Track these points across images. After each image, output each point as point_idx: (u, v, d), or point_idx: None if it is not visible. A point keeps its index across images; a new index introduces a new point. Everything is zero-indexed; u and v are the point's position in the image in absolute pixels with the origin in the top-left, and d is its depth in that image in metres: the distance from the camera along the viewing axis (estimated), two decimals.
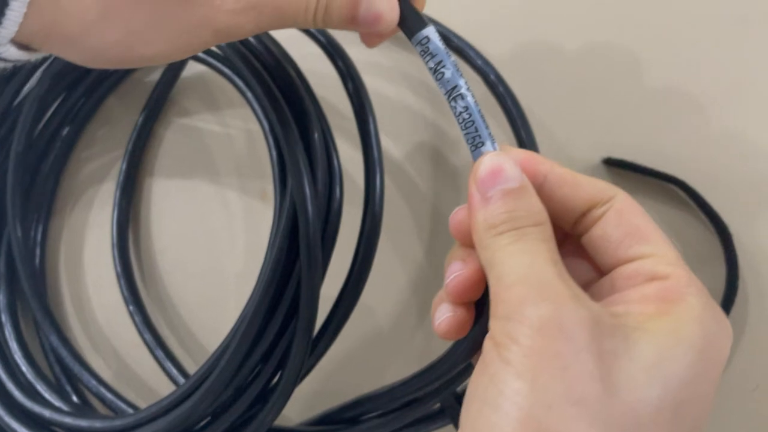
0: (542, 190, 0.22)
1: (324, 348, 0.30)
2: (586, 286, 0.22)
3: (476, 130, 0.23)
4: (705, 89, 0.36)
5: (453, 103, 0.23)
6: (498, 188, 0.21)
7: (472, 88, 0.23)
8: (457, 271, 0.23)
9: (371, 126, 0.31)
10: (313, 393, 0.34)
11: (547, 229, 0.21)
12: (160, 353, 0.33)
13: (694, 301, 0.20)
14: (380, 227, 0.31)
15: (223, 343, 0.28)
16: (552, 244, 0.21)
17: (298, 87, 0.30)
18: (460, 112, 0.23)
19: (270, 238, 0.30)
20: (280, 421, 0.30)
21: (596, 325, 0.19)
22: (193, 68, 0.40)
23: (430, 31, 0.23)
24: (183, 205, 0.39)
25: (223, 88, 0.38)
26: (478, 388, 0.20)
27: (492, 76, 0.35)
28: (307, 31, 0.34)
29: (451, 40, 0.36)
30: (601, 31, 0.37)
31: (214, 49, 0.35)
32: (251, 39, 0.31)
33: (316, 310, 0.28)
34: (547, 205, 0.22)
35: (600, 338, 0.19)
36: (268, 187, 0.37)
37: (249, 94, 0.32)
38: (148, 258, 0.38)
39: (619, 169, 0.36)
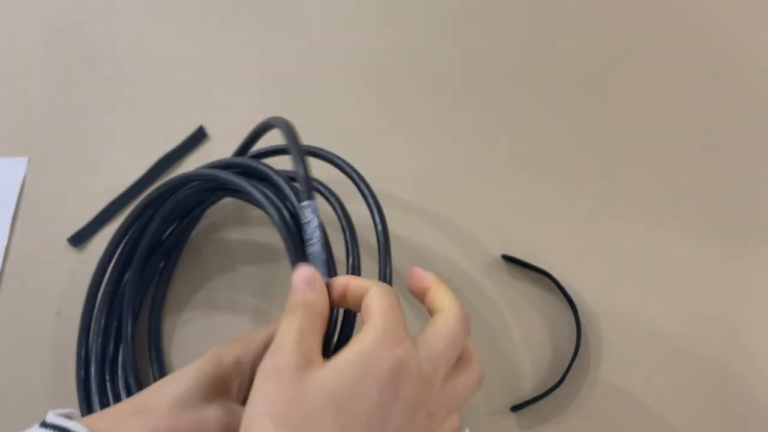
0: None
1: None
2: None
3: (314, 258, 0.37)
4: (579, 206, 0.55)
5: (308, 246, 0.37)
6: (302, 283, 0.34)
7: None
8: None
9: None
10: None
11: (313, 311, 0.33)
12: None
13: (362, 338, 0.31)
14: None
15: None
16: (310, 322, 0.32)
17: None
18: (312, 252, 0.37)
19: None
20: None
21: (299, 363, 0.30)
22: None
23: (311, 204, 0.37)
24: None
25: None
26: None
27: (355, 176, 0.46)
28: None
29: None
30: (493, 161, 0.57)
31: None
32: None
33: None
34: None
35: (301, 371, 0.30)
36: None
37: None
38: None
39: (512, 263, 0.54)
